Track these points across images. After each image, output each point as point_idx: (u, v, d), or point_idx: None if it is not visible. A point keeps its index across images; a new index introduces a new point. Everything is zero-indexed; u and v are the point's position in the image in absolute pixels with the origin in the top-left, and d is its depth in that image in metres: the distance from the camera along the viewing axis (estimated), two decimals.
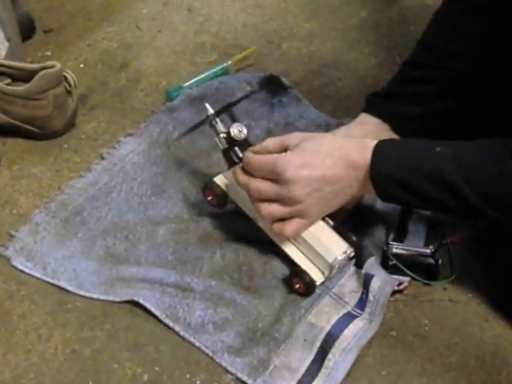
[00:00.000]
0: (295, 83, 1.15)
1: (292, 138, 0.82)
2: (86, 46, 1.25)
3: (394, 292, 0.83)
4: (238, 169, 0.83)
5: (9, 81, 1.05)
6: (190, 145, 1.04)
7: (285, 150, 0.81)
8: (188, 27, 1.30)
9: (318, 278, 0.82)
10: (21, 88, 1.02)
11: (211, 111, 0.88)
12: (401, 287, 0.83)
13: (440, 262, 0.84)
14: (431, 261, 0.84)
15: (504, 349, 0.78)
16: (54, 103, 1.03)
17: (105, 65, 1.21)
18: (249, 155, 0.82)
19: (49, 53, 1.23)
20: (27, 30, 1.24)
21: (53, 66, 1.02)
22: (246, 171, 0.82)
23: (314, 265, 0.82)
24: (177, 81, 1.15)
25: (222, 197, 0.88)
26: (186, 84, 1.12)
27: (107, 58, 1.22)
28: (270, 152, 0.82)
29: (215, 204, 0.89)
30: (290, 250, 0.83)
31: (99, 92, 1.15)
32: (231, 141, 0.85)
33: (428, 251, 0.84)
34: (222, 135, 0.86)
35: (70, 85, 1.04)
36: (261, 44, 1.25)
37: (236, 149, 0.85)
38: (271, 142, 0.83)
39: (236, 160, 0.85)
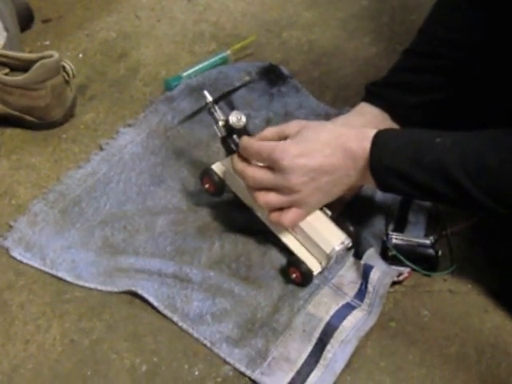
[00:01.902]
0: (294, 72, 1.14)
1: (291, 126, 0.81)
2: (84, 35, 1.24)
3: (394, 283, 0.82)
4: (235, 156, 0.83)
5: (7, 71, 1.04)
6: (188, 135, 1.03)
7: (283, 139, 0.81)
8: (187, 16, 1.29)
9: (315, 267, 0.82)
10: (19, 78, 1.01)
11: (210, 98, 0.87)
12: (400, 278, 0.83)
13: (440, 252, 0.84)
14: (431, 251, 0.84)
15: (504, 340, 0.78)
16: (52, 93, 1.03)
17: (103, 55, 1.20)
18: (246, 140, 0.81)
19: (47, 43, 1.23)
20: (26, 19, 1.24)
21: (51, 56, 1.01)
22: (242, 158, 0.81)
23: (312, 255, 0.82)
24: (176, 70, 1.14)
25: (220, 185, 0.87)
26: (185, 74, 1.11)
27: (106, 48, 1.22)
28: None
29: (212, 192, 0.88)
30: (288, 240, 0.83)
31: (98, 82, 1.15)
32: (230, 129, 0.84)
33: (428, 242, 0.84)
34: (220, 123, 0.85)
35: (68, 75, 1.04)
36: (260, 33, 1.24)
37: (234, 137, 0.84)
38: (270, 132, 0.82)
39: (234, 148, 0.84)
